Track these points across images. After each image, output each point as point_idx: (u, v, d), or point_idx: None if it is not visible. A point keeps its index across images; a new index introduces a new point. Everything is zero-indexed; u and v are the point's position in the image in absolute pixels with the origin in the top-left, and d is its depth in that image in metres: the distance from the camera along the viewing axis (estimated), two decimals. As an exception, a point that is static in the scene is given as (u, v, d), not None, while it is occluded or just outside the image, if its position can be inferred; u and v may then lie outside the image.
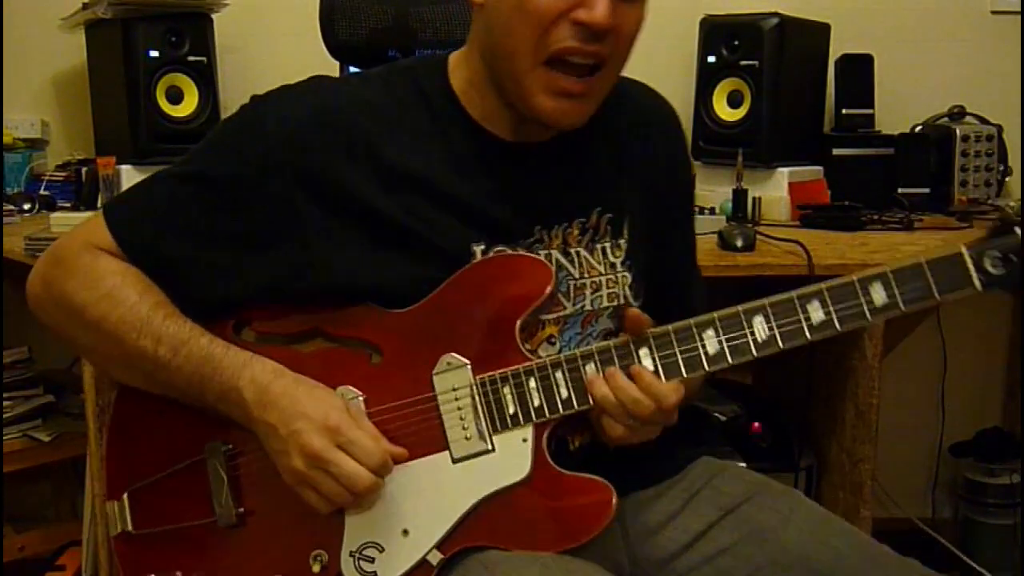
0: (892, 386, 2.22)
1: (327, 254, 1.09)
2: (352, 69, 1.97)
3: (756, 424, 1.99)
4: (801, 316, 1.04)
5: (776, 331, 1.04)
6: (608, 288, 1.17)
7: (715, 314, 1.05)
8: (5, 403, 2.12)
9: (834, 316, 1.03)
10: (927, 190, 2.28)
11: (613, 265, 1.18)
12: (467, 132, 1.12)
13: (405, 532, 1.07)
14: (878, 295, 1.02)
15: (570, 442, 1.15)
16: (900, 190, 2.24)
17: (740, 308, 1.05)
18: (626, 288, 1.19)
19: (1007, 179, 2.35)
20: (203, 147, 1.14)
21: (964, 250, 1.01)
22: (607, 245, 1.18)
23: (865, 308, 1.03)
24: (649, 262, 1.21)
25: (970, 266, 1.01)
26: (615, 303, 1.17)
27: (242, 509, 1.12)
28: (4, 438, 2.09)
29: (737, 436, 1.99)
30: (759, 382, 2.37)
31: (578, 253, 1.16)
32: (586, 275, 1.16)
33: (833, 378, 1.76)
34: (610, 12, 1.01)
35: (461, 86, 1.13)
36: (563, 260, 1.15)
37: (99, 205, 2.12)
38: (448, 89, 1.13)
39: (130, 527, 1.16)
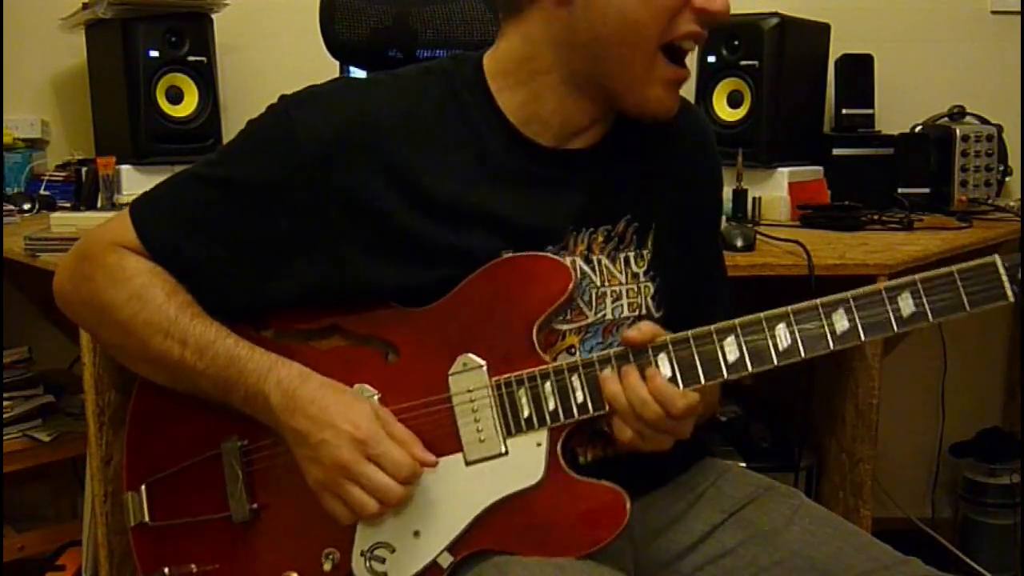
0: (892, 386, 2.22)
1: (355, 265, 1.08)
2: (352, 69, 1.97)
3: (756, 424, 2.00)
4: (825, 324, 1.01)
5: (799, 339, 1.01)
6: (629, 298, 1.15)
7: (736, 321, 1.03)
8: (5, 403, 2.11)
9: (859, 325, 1.00)
10: (927, 190, 2.28)
11: (636, 275, 1.16)
12: (503, 139, 1.10)
13: (416, 533, 1.07)
14: (906, 305, 0.99)
15: (580, 455, 1.14)
16: (900, 190, 2.24)
17: (762, 315, 1.03)
18: (648, 299, 1.16)
19: (1007, 179, 2.36)
20: (232, 150, 1.12)
21: (998, 260, 0.97)
22: (631, 254, 1.16)
23: (892, 318, 0.99)
24: (674, 274, 1.19)
25: (1003, 276, 0.97)
26: (636, 313, 1.15)
27: (256, 505, 1.12)
28: (4, 438, 2.09)
29: (737, 436, 1.99)
30: (759, 382, 2.37)
31: (599, 261, 1.14)
32: (607, 284, 1.14)
33: (833, 378, 1.76)
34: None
35: (500, 89, 1.10)
36: (585, 267, 1.13)
37: (99, 205, 2.12)
38: (486, 92, 1.10)
39: (147, 518, 1.17)
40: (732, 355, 1.03)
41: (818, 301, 1.02)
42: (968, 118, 2.40)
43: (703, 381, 1.03)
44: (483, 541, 1.06)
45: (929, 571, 1.10)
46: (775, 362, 1.02)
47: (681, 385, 1.03)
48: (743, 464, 1.88)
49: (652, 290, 1.17)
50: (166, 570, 1.14)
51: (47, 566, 2.20)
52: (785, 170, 2.17)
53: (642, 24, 1.03)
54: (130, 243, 1.11)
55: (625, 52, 1.04)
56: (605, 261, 1.15)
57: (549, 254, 1.09)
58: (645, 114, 1.08)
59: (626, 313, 1.15)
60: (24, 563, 2.23)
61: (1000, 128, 2.31)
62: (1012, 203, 2.31)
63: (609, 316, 1.14)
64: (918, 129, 2.39)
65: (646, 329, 1.05)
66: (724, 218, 1.97)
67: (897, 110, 2.44)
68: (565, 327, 1.12)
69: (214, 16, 2.26)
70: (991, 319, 2.62)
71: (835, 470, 1.83)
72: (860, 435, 1.71)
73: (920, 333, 2.47)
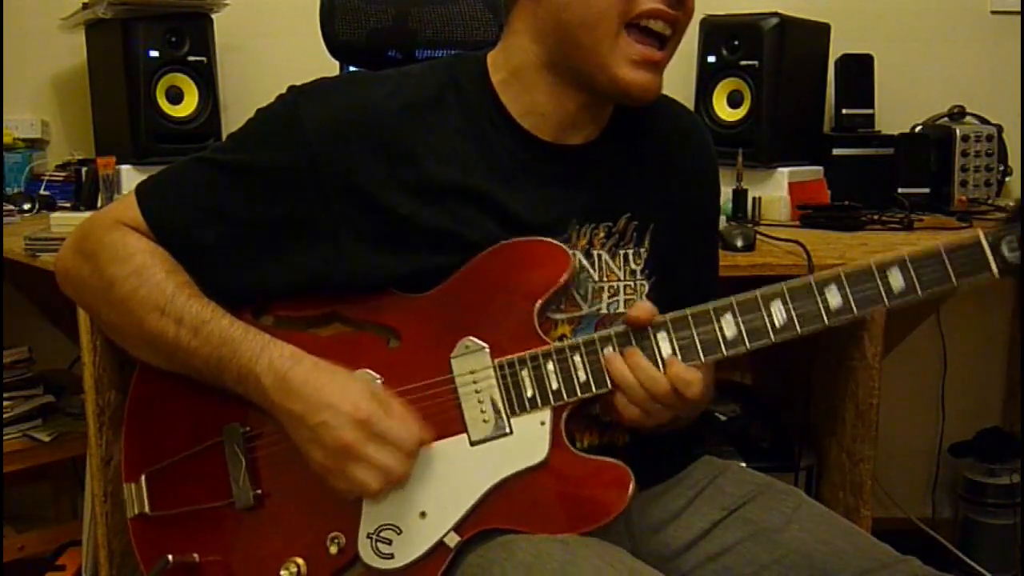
0: (892, 386, 2.22)
1: (359, 251, 1.09)
2: (352, 69, 1.97)
3: (756, 424, 2.00)
4: (819, 301, 1.03)
5: (794, 315, 1.03)
6: (626, 295, 1.17)
7: (733, 299, 1.05)
8: (5, 403, 2.11)
9: (852, 300, 1.02)
10: (927, 190, 2.28)
11: (633, 272, 1.18)
12: (505, 131, 1.12)
13: (423, 515, 1.07)
14: (896, 280, 1.02)
15: (578, 440, 1.14)
16: (900, 190, 2.24)
17: (758, 293, 1.04)
18: (643, 297, 1.18)
19: (1007, 179, 2.36)
20: (240, 137, 1.14)
21: (982, 235, 1.01)
22: (629, 252, 1.18)
23: (883, 292, 1.02)
24: (670, 273, 1.21)
25: (987, 251, 1.00)
26: None
27: (259, 491, 1.13)
28: (4, 438, 2.09)
29: (737, 436, 1.99)
30: (759, 382, 2.37)
31: (600, 256, 1.16)
32: (605, 279, 1.16)
33: (833, 378, 1.76)
34: None
35: (501, 83, 1.13)
36: (585, 262, 1.15)
37: (99, 205, 2.12)
38: (488, 85, 1.13)
39: (147, 509, 1.17)
40: (730, 332, 1.04)
41: (811, 278, 1.04)
42: (968, 118, 2.40)
43: (702, 358, 1.05)
44: (489, 520, 1.07)
45: (927, 570, 1.11)
46: (772, 339, 1.04)
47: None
48: (743, 464, 1.88)
49: (647, 288, 1.19)
50: (170, 557, 1.14)
51: (47, 566, 2.20)
52: (785, 170, 2.17)
53: (598, 4, 1.05)
54: (134, 222, 1.13)
55: (588, 34, 1.06)
56: (605, 256, 1.16)
57: (547, 238, 1.10)
58: (621, 95, 1.09)
59: (621, 308, 1.16)
60: (24, 563, 2.23)
61: (1000, 128, 2.31)
62: (1012, 203, 2.30)
63: (604, 311, 1.16)
64: (918, 129, 2.39)
65: (647, 307, 1.06)
66: (724, 218, 1.97)
67: (897, 110, 2.44)
68: (559, 316, 1.13)
69: (214, 16, 2.26)
70: (991, 319, 2.62)
71: (835, 470, 1.83)
72: (860, 435, 1.71)
73: (920, 333, 2.47)
